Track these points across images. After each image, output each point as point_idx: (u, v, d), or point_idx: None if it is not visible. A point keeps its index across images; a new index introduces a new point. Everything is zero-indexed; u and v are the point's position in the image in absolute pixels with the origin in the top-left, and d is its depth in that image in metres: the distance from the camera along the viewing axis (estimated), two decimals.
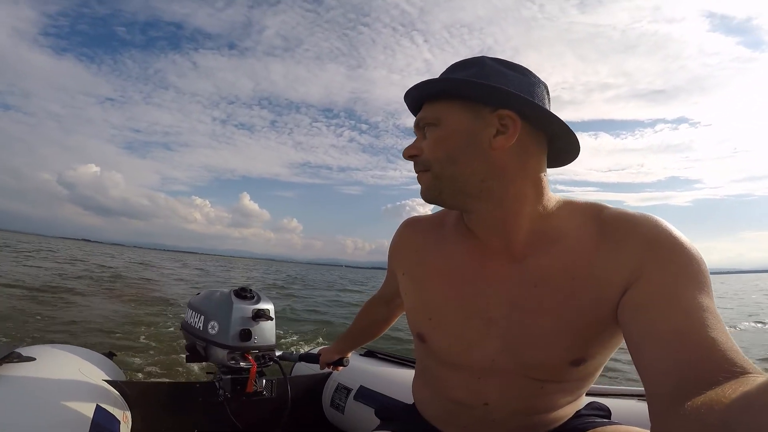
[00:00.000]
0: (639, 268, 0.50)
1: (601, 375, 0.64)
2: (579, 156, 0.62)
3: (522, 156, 0.55)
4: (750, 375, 0.36)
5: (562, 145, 0.59)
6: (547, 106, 0.57)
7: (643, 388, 0.95)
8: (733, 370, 0.37)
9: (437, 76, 0.59)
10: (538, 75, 0.58)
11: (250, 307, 1.18)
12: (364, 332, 1.05)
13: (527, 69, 0.58)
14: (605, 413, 0.72)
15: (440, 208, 0.71)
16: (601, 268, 0.53)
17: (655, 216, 0.54)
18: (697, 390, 0.35)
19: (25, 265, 10.78)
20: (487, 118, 0.54)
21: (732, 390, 0.32)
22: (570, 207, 0.59)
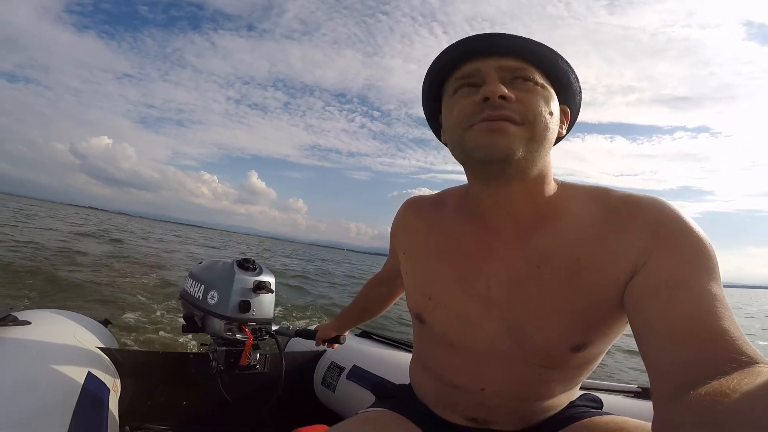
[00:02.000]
0: (646, 253, 0.48)
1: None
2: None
3: None
4: (757, 365, 0.36)
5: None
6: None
7: (633, 386, 0.94)
8: (741, 360, 0.36)
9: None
10: None
11: (251, 279, 1.17)
12: (365, 310, 1.05)
13: None
14: (598, 404, 0.72)
15: (439, 190, 0.72)
16: (607, 250, 0.51)
17: (663, 199, 0.53)
18: (704, 379, 0.35)
19: (28, 230, 10.90)
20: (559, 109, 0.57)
21: (737, 382, 0.31)
22: (574, 189, 0.60)
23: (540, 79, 0.54)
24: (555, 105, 0.55)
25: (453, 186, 0.73)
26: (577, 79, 0.59)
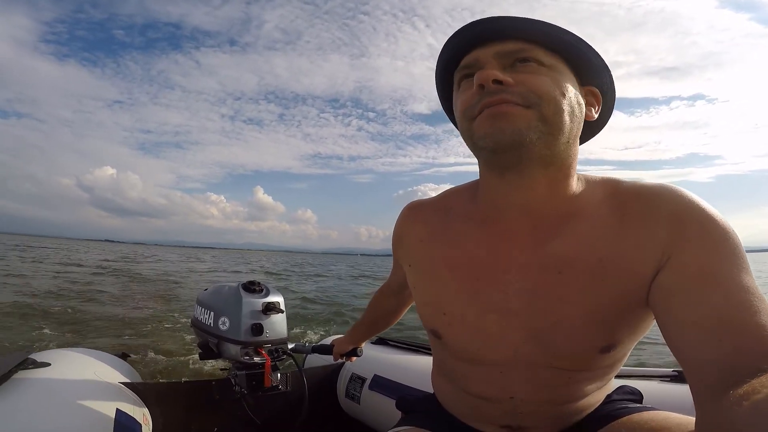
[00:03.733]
0: (669, 247, 0.46)
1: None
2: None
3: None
4: None
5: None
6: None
7: (671, 370, 0.91)
8: None
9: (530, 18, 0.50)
10: None
11: (259, 301, 1.16)
12: (376, 323, 1.03)
13: None
14: (637, 397, 0.69)
15: (441, 191, 0.67)
16: (627, 248, 0.49)
17: (675, 186, 0.50)
18: (742, 377, 0.34)
19: (37, 268, 11.07)
20: (578, 89, 0.53)
21: None
22: (589, 182, 0.56)
23: (546, 59, 0.50)
24: (568, 85, 0.50)
25: (455, 185, 0.68)
26: (598, 55, 0.54)
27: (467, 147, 0.56)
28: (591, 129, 0.61)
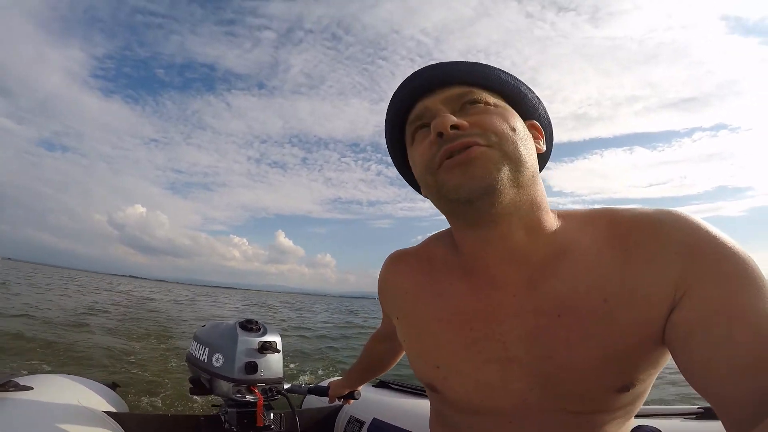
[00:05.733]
0: (683, 282, 0.43)
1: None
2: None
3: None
4: None
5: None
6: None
7: (696, 407, 0.85)
8: None
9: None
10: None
11: (255, 339, 1.15)
12: (372, 367, 1.00)
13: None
14: None
15: (422, 239, 0.66)
16: (635, 285, 0.45)
17: (680, 212, 0.48)
18: None
19: (42, 298, 11.08)
20: (523, 124, 0.54)
21: None
22: (574, 217, 0.53)
23: (491, 98, 0.52)
24: (516, 121, 0.51)
25: (436, 232, 0.67)
26: (531, 90, 0.57)
27: (437, 206, 0.55)
28: (541, 161, 0.60)
